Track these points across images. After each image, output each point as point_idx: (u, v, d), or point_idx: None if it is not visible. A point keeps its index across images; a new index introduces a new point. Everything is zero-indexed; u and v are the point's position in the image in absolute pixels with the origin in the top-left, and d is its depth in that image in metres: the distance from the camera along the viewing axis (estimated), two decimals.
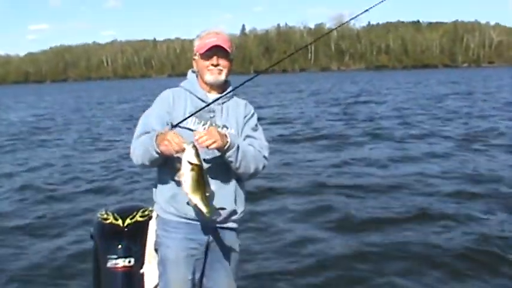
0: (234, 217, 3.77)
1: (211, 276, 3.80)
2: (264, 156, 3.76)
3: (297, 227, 8.47)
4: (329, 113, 28.28)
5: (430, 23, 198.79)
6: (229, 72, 3.79)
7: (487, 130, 19.28)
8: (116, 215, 4.43)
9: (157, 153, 3.38)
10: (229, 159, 3.50)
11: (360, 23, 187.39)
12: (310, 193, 10.62)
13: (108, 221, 4.40)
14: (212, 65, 3.70)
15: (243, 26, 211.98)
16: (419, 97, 38.86)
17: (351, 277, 6.51)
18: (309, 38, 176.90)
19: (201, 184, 3.34)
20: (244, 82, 3.82)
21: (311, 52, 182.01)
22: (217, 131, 3.40)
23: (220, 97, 3.74)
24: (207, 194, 3.39)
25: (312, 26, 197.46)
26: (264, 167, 3.76)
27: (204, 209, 3.36)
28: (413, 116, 25.39)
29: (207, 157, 3.53)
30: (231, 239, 3.81)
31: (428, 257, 6.99)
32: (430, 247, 7.34)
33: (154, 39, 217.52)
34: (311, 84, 69.14)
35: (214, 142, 3.31)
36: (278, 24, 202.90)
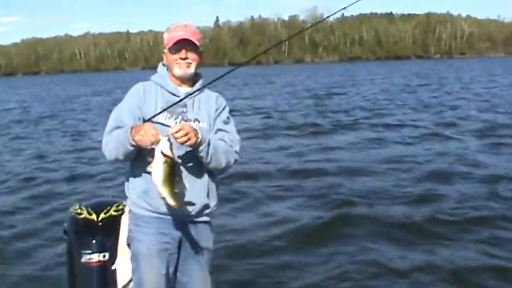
0: (207, 211, 3.77)
1: (186, 270, 3.79)
2: (236, 151, 3.77)
3: (273, 209, 9.00)
4: (302, 104, 28.65)
5: (403, 15, 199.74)
6: (199, 65, 3.78)
7: (457, 118, 19.98)
8: (90, 209, 4.39)
9: (131, 145, 3.37)
10: (201, 154, 3.51)
11: (333, 15, 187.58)
12: (282, 179, 11.11)
13: (82, 216, 4.36)
14: (180, 58, 3.68)
15: (217, 18, 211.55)
16: (391, 88, 39.51)
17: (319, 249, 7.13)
18: (282, 30, 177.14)
19: (171, 177, 3.33)
20: (222, 76, 3.78)
21: (285, 44, 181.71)
22: (192, 127, 3.40)
23: (193, 92, 3.73)
24: (177, 191, 3.37)
25: (286, 18, 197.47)
26: (235, 161, 3.77)
27: (171, 203, 3.35)
28: (385, 106, 25.91)
29: (180, 152, 3.53)
30: (204, 233, 3.81)
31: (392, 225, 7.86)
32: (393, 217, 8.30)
33: (128, 31, 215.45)
34: (284, 76, 69.34)
35: (189, 139, 3.32)
36: (252, 16, 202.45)
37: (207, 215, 3.79)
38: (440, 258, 6.63)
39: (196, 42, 3.67)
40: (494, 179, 10.39)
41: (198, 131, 3.46)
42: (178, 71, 3.71)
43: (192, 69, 3.72)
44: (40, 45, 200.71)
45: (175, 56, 3.68)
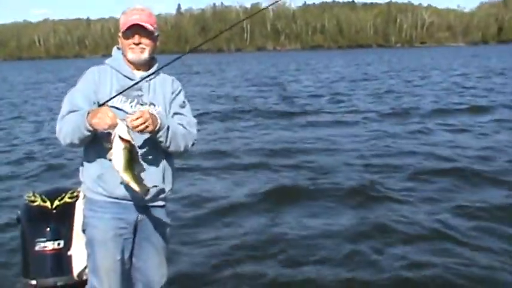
0: (162, 195, 3.74)
1: (141, 255, 3.77)
2: (193, 134, 3.75)
3: (229, 196, 9.05)
4: (260, 91, 29.11)
5: (365, 4, 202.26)
6: (154, 50, 3.71)
7: (415, 106, 20.38)
8: (43, 197, 4.34)
9: (88, 130, 3.31)
10: (160, 139, 3.48)
11: (295, 3, 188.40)
12: (239, 166, 11.26)
13: (35, 203, 4.31)
14: (134, 43, 3.61)
15: (179, 5, 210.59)
16: (351, 75, 40.00)
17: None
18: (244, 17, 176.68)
19: (132, 162, 3.31)
20: (172, 61, 3.74)
21: (247, 32, 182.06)
22: (150, 114, 3.36)
23: (148, 75, 3.66)
24: (138, 173, 3.35)
25: (248, 6, 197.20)
26: (193, 144, 3.76)
27: (136, 188, 3.32)
28: (344, 93, 26.48)
29: (136, 137, 3.47)
30: (159, 217, 3.79)
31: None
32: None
33: (88, 18, 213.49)
34: (245, 64, 69.39)
35: (147, 127, 3.29)
36: (214, 4, 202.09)
37: (162, 199, 3.77)
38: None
39: (150, 27, 3.59)
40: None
41: (157, 116, 3.43)
42: (131, 55, 3.64)
43: (145, 55, 3.65)
44: None
45: (129, 41, 3.61)
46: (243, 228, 7.38)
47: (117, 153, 3.27)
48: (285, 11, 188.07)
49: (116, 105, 3.52)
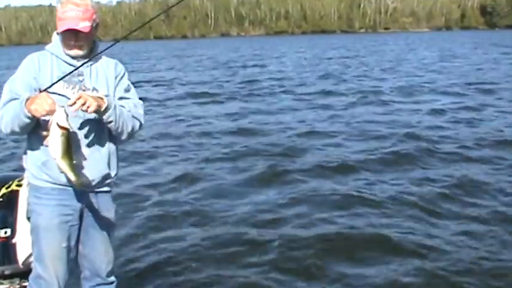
0: (107, 181, 3.73)
1: (87, 242, 3.76)
2: (140, 115, 3.73)
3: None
4: (221, 75, 30.33)
5: None
6: (92, 39, 3.64)
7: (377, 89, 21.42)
8: None
9: (27, 117, 3.27)
10: (109, 119, 3.45)
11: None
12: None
13: None
14: (71, 43, 3.54)
15: None
16: (311, 60, 41.06)
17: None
18: (208, 4, 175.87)
19: (69, 150, 3.27)
20: (106, 49, 3.68)
21: (211, 18, 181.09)
22: (91, 96, 3.33)
23: (88, 60, 3.59)
24: (75, 162, 3.33)
25: None
26: (140, 125, 3.73)
27: (72, 177, 3.31)
28: (305, 77, 27.42)
29: (79, 121, 3.47)
30: (105, 203, 3.78)
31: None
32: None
33: (51, 4, 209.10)
34: (208, 50, 69.31)
35: (88, 107, 3.26)
36: None
37: (107, 184, 3.75)
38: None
39: (87, 29, 3.49)
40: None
41: (103, 97, 3.41)
42: (70, 52, 3.57)
43: (84, 50, 3.59)
44: None
45: (66, 41, 3.55)
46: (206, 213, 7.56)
47: (54, 140, 3.24)
48: None
49: (58, 92, 3.47)
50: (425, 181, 8.64)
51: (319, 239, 6.42)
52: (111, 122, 3.47)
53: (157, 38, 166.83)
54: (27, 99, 3.27)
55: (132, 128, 3.65)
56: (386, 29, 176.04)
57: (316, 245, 6.29)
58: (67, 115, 3.23)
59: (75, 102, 3.23)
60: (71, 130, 3.28)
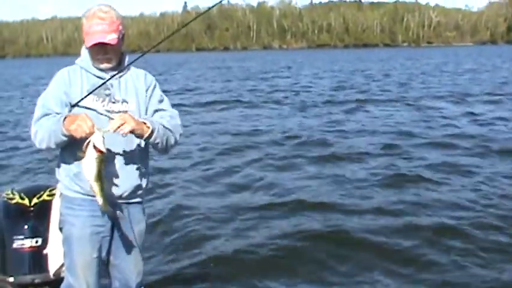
0: (139, 192, 3.73)
1: (118, 253, 3.76)
2: (179, 125, 3.76)
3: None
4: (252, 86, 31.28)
5: (372, 3, 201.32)
6: (120, 51, 3.66)
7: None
8: (22, 194, 4.36)
9: (64, 135, 3.28)
10: (155, 141, 3.50)
11: (302, 2, 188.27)
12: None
13: (14, 201, 4.32)
14: (99, 57, 3.56)
15: (185, 3, 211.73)
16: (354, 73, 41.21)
17: None
18: (251, 16, 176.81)
19: (102, 172, 3.32)
20: (134, 60, 3.71)
21: (253, 30, 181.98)
22: (134, 119, 3.36)
23: (118, 72, 3.60)
24: (107, 176, 3.39)
25: (255, 4, 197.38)
26: (180, 135, 3.76)
27: (100, 201, 3.35)
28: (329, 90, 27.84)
29: (115, 135, 3.43)
30: (137, 214, 3.78)
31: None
32: None
33: None
34: (246, 62, 69.94)
35: (122, 129, 3.28)
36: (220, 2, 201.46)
37: (139, 196, 3.76)
38: None
39: (114, 41, 3.50)
40: None
41: (147, 122, 3.44)
42: (99, 65, 3.59)
43: (113, 63, 3.61)
44: (6, 29, 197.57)
45: (94, 55, 3.58)
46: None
47: (90, 162, 3.27)
48: (291, 9, 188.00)
49: (87, 105, 3.49)
50: None
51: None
52: (157, 143, 3.52)
53: (199, 49, 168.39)
54: (65, 118, 3.29)
55: (175, 141, 3.69)
56: (429, 43, 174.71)
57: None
58: (103, 138, 3.26)
59: (119, 126, 3.26)
60: (105, 154, 3.31)
